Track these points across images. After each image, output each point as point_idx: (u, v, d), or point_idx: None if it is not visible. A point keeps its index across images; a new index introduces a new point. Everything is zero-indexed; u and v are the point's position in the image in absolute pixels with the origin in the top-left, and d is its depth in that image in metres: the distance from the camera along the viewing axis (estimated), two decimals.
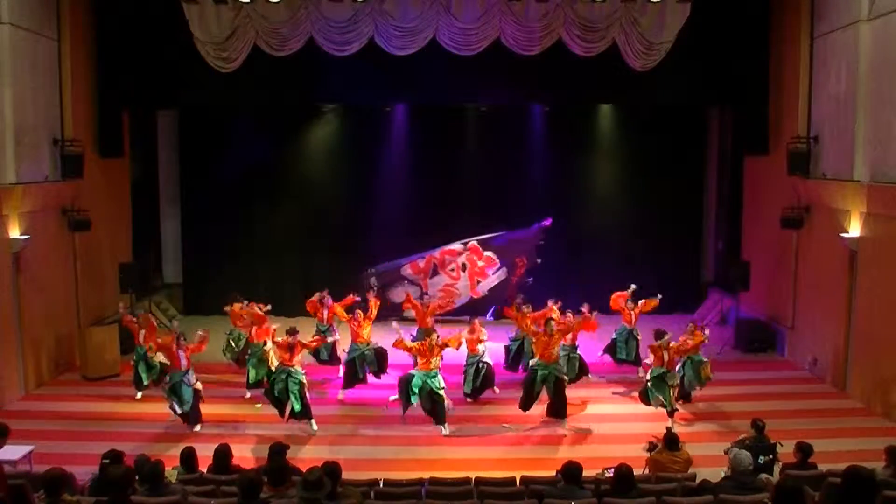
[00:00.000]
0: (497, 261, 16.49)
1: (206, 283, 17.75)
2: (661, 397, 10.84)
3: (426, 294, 16.00)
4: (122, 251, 15.93)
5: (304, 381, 10.94)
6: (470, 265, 16.50)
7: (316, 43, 14.25)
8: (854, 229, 12.37)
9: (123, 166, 16.16)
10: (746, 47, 14.74)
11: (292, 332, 11.01)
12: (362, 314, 12.59)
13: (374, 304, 13.12)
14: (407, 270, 16.47)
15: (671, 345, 10.97)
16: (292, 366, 10.87)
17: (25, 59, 12.53)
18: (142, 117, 16.73)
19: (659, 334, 11.15)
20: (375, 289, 15.00)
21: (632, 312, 13.26)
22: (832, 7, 13.07)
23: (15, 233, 12.19)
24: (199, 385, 11.07)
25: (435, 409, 10.87)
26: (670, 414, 10.90)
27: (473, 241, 16.44)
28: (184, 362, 10.95)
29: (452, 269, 16.46)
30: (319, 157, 17.76)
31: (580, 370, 12.66)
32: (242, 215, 17.55)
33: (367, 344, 12.57)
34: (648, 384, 11.05)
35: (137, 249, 16.62)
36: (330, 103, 17.15)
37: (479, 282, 16.59)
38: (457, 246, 16.44)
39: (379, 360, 12.68)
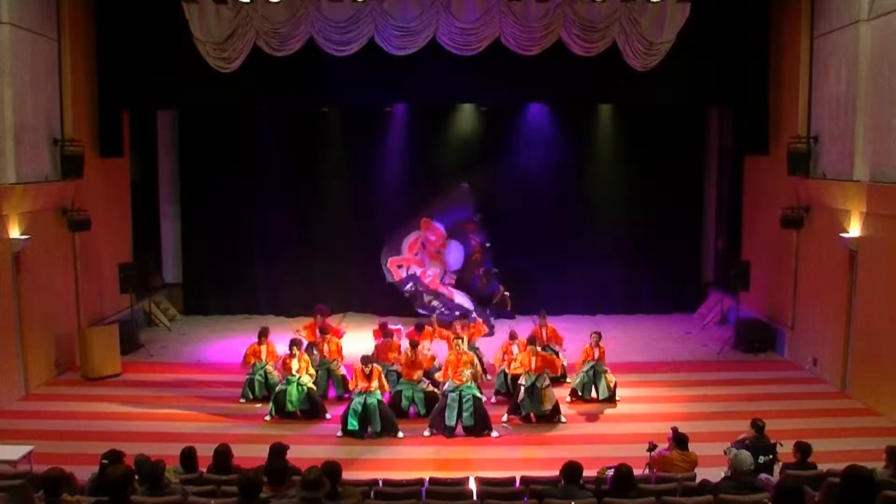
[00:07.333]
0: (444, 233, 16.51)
1: (206, 283, 17.80)
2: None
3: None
4: (122, 251, 15.91)
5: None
6: (427, 243, 16.45)
7: (316, 43, 14.23)
8: (854, 229, 12.36)
9: (123, 166, 16.15)
10: (746, 47, 14.72)
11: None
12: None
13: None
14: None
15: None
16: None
17: (25, 59, 12.53)
18: (142, 117, 16.74)
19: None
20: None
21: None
22: (832, 7, 13.07)
23: (15, 233, 12.19)
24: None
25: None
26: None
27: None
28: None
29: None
30: (319, 158, 17.73)
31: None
32: (242, 215, 17.54)
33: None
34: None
35: (137, 249, 16.61)
36: (330, 103, 17.10)
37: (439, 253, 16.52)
38: (411, 236, 16.33)
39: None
